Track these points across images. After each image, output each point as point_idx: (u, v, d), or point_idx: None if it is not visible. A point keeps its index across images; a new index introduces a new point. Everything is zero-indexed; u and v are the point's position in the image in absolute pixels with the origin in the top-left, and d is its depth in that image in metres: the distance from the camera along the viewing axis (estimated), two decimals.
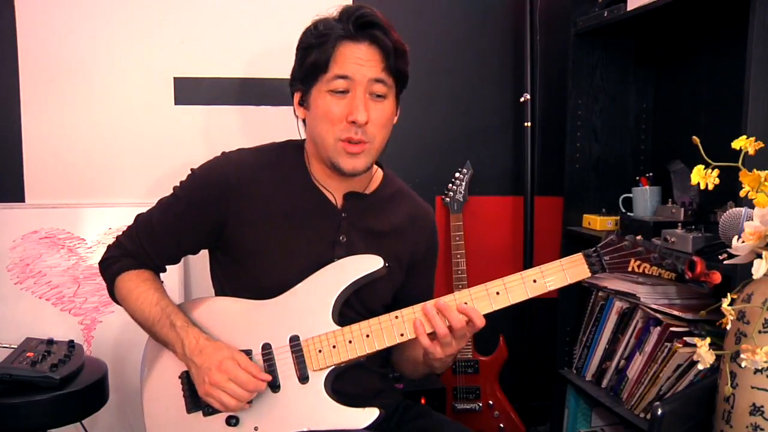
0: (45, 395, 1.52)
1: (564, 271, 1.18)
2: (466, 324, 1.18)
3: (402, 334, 1.21)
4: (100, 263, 1.37)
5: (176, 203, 1.32)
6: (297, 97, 1.31)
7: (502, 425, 2.29)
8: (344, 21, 1.22)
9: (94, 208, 2.11)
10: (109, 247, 1.37)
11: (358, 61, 1.22)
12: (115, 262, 1.34)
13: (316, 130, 1.27)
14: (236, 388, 1.17)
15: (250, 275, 1.30)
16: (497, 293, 1.19)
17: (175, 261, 1.38)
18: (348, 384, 1.27)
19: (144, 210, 1.36)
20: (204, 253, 1.40)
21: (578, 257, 1.19)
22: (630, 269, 1.17)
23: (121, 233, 1.37)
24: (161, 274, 1.39)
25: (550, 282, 1.18)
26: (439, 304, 1.18)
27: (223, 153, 1.34)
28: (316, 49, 1.23)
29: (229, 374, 1.17)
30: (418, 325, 1.19)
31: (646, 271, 1.16)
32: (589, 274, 1.18)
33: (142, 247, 1.32)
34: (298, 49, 1.29)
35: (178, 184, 1.34)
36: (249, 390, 1.18)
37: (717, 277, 1.13)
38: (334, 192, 1.33)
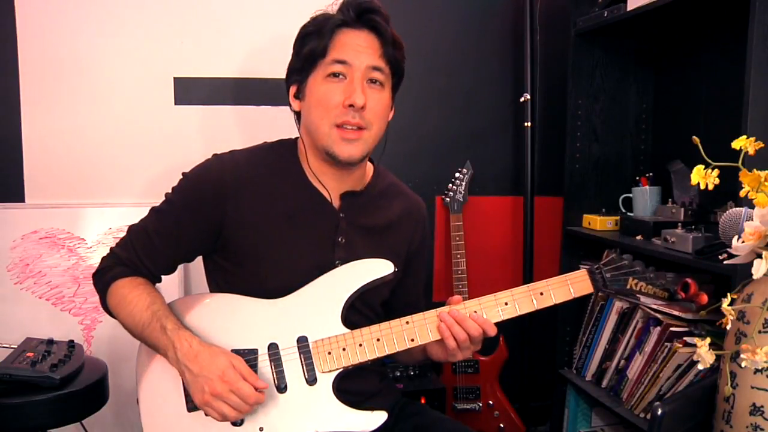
0: (45, 395, 1.52)
1: (569, 286, 1.22)
2: (478, 334, 1.19)
3: (413, 340, 1.21)
4: (94, 275, 1.33)
5: (171, 208, 1.29)
6: (293, 90, 1.31)
7: (502, 425, 2.29)
8: (344, 9, 1.24)
9: (94, 208, 2.11)
10: (102, 258, 1.33)
11: (357, 47, 1.23)
12: (108, 271, 1.29)
13: (311, 117, 1.26)
14: (238, 400, 1.13)
15: (251, 278, 1.28)
16: (506, 303, 1.22)
17: (171, 269, 1.33)
18: (349, 382, 1.26)
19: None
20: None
21: (583, 273, 1.23)
22: (629, 287, 1.22)
23: (114, 245, 1.33)
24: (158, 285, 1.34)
25: (556, 295, 1.22)
26: (454, 314, 1.19)
27: (215, 155, 1.31)
28: (314, 36, 1.25)
29: (231, 386, 1.12)
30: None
31: (643, 290, 1.22)
32: (593, 290, 1.22)
33: (137, 257, 1.28)
34: (296, 41, 1.30)
35: (170, 191, 1.31)
36: (250, 403, 1.14)
37: (704, 299, 1.19)
38: (331, 190, 1.31)
